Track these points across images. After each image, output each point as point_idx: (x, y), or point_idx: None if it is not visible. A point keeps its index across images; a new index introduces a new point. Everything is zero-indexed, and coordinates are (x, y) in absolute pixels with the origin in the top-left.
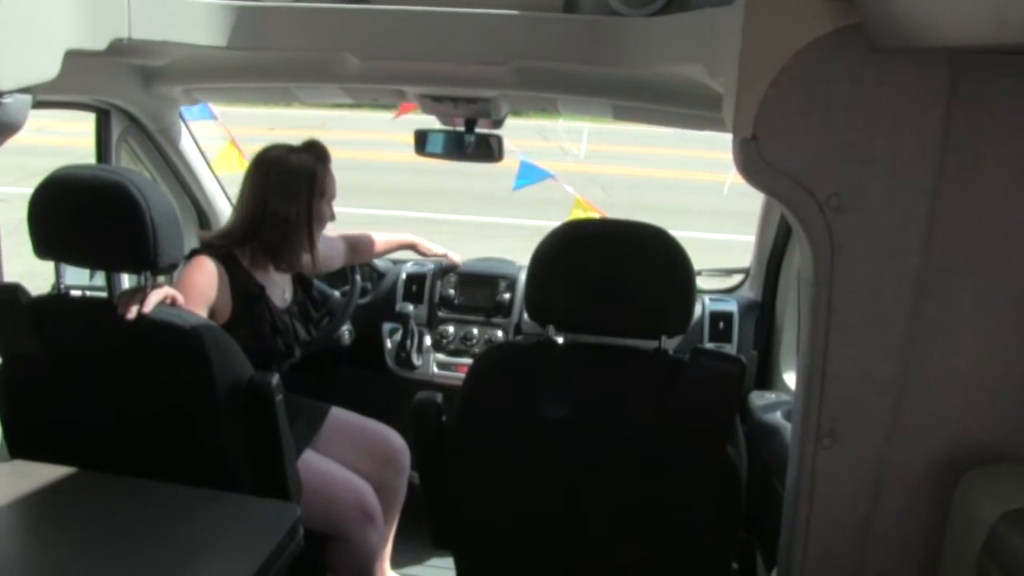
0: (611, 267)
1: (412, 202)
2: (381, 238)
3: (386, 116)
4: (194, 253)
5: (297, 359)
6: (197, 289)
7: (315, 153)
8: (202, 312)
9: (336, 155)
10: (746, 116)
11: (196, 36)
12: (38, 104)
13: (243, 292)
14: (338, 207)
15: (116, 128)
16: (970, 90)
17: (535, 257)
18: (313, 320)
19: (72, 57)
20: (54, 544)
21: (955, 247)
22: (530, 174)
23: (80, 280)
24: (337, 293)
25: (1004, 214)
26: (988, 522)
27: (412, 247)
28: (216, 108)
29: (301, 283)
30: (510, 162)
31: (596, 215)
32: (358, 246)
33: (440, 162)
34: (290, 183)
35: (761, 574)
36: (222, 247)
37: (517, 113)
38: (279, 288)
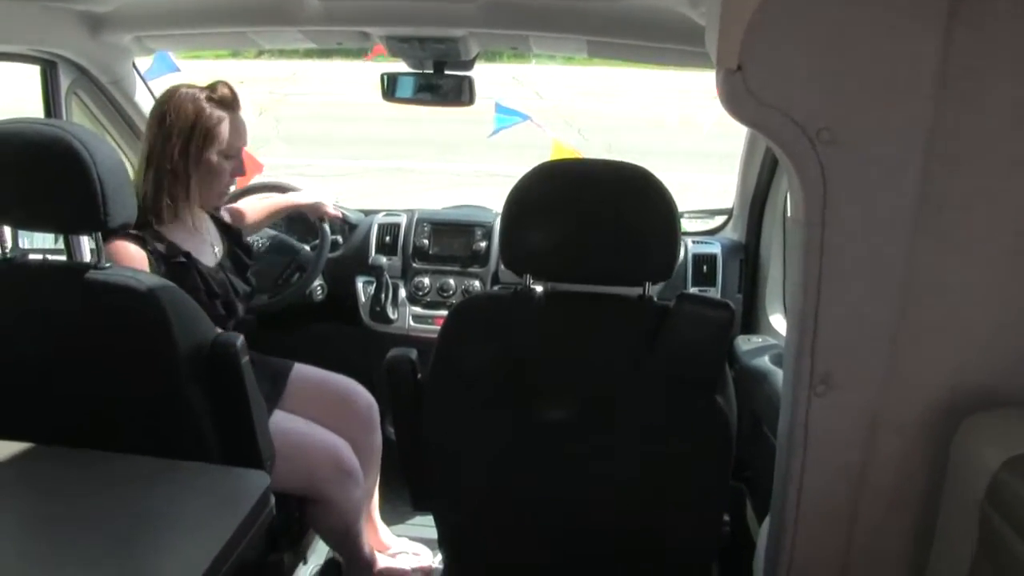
0: (591, 211)
1: (383, 151)
2: (256, 206)
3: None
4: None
5: (242, 315)
6: None
7: (219, 98)
8: None
9: (305, 106)
10: (731, 46)
11: None
12: None
13: (168, 264)
14: (309, 159)
15: (64, 81)
16: (970, 12)
17: (509, 202)
18: (248, 268)
19: (5, 2)
20: (5, 522)
21: (954, 180)
22: (506, 117)
23: (42, 243)
24: (307, 247)
25: (1006, 143)
26: (990, 469)
27: (296, 208)
28: (180, 61)
29: (227, 232)
30: (483, 108)
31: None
32: (234, 216)
33: (410, 109)
34: (193, 132)
35: (751, 523)
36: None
37: (490, 58)
38: (207, 245)
